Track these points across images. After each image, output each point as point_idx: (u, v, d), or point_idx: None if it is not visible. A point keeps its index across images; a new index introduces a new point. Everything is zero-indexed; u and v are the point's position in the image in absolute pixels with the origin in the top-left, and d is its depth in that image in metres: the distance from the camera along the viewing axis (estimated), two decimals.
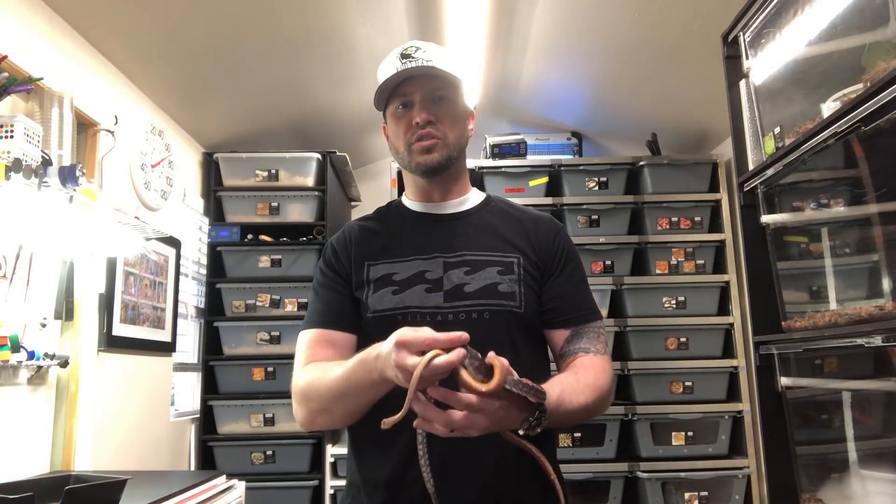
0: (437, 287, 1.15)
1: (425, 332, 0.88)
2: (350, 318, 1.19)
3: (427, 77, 1.17)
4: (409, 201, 1.30)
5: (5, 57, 1.72)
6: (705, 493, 2.92)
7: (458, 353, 0.86)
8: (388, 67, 1.19)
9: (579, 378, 1.08)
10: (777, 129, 1.71)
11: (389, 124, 1.23)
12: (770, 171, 1.74)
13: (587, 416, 1.09)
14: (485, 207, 1.28)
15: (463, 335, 0.87)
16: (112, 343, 2.29)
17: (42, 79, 1.87)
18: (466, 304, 1.13)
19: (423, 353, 0.87)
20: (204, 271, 3.14)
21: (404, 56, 1.18)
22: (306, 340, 1.18)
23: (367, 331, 1.17)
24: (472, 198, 1.29)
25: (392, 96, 1.20)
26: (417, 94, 1.18)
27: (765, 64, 1.83)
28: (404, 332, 0.90)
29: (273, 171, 3.14)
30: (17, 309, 1.81)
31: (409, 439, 1.07)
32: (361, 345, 1.18)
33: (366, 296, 1.18)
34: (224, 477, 2.07)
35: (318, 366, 1.12)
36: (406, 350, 0.88)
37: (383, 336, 1.13)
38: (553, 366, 1.24)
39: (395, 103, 1.20)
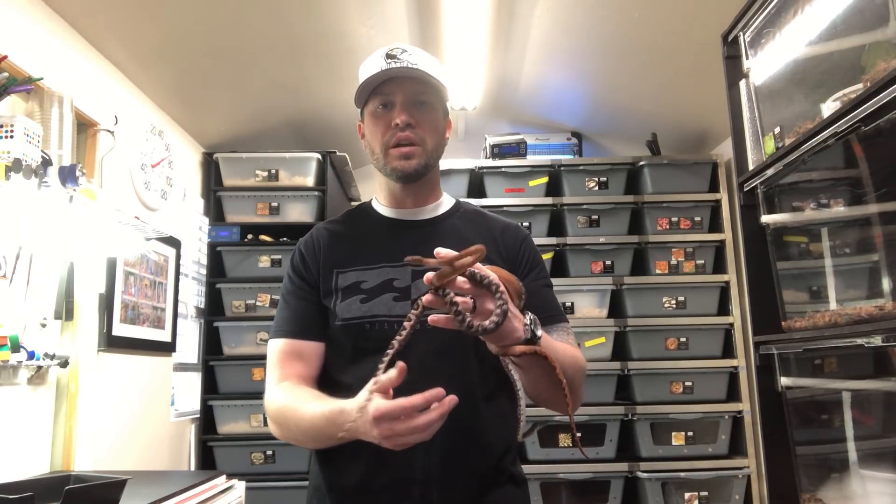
0: (404, 295, 1.15)
1: (399, 402, 0.87)
2: (318, 327, 1.19)
3: (410, 80, 1.16)
4: (380, 206, 1.28)
5: (5, 57, 1.73)
6: (705, 493, 2.92)
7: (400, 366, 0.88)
8: (372, 66, 1.18)
9: (563, 349, 1.08)
10: (777, 129, 1.71)
11: (367, 123, 1.21)
12: (770, 171, 1.74)
13: (572, 373, 1.06)
14: (454, 214, 1.27)
15: (438, 392, 0.86)
16: (112, 343, 2.29)
17: (42, 79, 1.87)
18: (432, 312, 1.13)
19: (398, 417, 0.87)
20: (204, 271, 3.14)
21: (389, 56, 1.17)
22: (276, 352, 1.18)
23: (335, 338, 1.17)
24: (443, 204, 1.28)
25: (373, 95, 1.19)
26: (399, 96, 1.16)
27: (765, 64, 1.83)
28: (381, 407, 0.87)
29: (273, 171, 3.14)
30: (17, 309, 1.81)
31: (376, 448, 1.07)
32: (329, 351, 1.19)
33: (334, 304, 1.17)
34: (224, 477, 2.07)
35: (289, 394, 1.11)
36: (385, 421, 0.87)
37: (350, 343, 1.14)
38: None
39: (375, 102, 1.18)
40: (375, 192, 1.30)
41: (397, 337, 0.91)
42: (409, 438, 0.88)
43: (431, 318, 0.88)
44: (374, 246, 1.21)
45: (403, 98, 1.16)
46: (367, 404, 0.89)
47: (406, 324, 0.89)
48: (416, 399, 0.86)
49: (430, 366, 1.06)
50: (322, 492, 1.17)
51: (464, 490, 1.11)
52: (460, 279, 0.87)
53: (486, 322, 0.87)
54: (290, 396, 1.11)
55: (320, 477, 1.18)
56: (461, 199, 1.33)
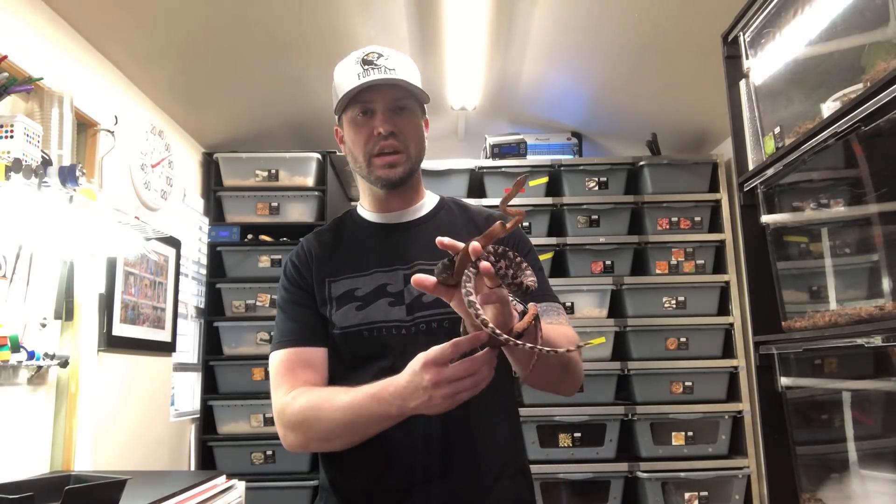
0: (398, 300, 1.15)
1: (445, 346, 0.88)
2: (321, 334, 1.17)
3: (390, 86, 1.16)
4: (366, 211, 1.28)
5: (5, 57, 1.73)
6: (705, 493, 2.92)
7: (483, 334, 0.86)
8: (349, 73, 1.16)
9: (556, 329, 1.08)
10: (777, 129, 1.71)
11: (347, 131, 1.21)
12: (770, 171, 1.74)
13: (567, 370, 1.07)
14: (439, 211, 1.27)
15: (481, 333, 0.87)
16: (112, 343, 2.29)
17: (42, 79, 1.87)
18: (426, 315, 1.13)
19: (447, 363, 0.87)
20: (204, 271, 3.14)
21: (366, 62, 1.16)
22: (283, 361, 1.16)
23: (334, 346, 1.16)
24: (427, 203, 1.28)
25: (352, 102, 1.18)
26: (379, 103, 1.15)
27: (765, 64, 1.83)
28: (427, 354, 0.89)
29: (273, 171, 3.14)
30: (17, 309, 1.81)
31: (382, 448, 1.07)
32: (329, 358, 1.17)
33: (330, 313, 1.17)
34: (224, 477, 2.07)
35: (311, 393, 1.10)
36: (435, 367, 0.88)
37: (350, 351, 1.14)
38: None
39: (354, 110, 1.17)
40: (360, 199, 1.30)
41: (474, 307, 0.84)
42: (464, 384, 0.87)
43: (483, 296, 0.85)
44: (364, 252, 1.21)
45: (384, 105, 1.16)
46: (416, 359, 0.90)
47: (471, 299, 0.84)
48: (461, 339, 0.87)
49: None
50: (329, 492, 1.18)
51: (470, 487, 1.11)
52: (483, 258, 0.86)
53: (529, 281, 0.87)
54: (318, 395, 1.09)
55: (326, 479, 1.19)
56: (444, 195, 1.32)
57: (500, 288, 0.86)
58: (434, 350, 0.88)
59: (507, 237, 1.23)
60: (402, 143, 1.17)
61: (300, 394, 1.10)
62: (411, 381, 0.91)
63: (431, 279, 0.87)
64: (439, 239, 0.87)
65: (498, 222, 0.86)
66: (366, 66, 1.15)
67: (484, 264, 0.82)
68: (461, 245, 0.85)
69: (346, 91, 1.15)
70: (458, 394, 0.88)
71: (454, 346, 0.87)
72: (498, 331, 0.80)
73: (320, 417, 1.06)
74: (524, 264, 0.89)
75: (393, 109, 1.17)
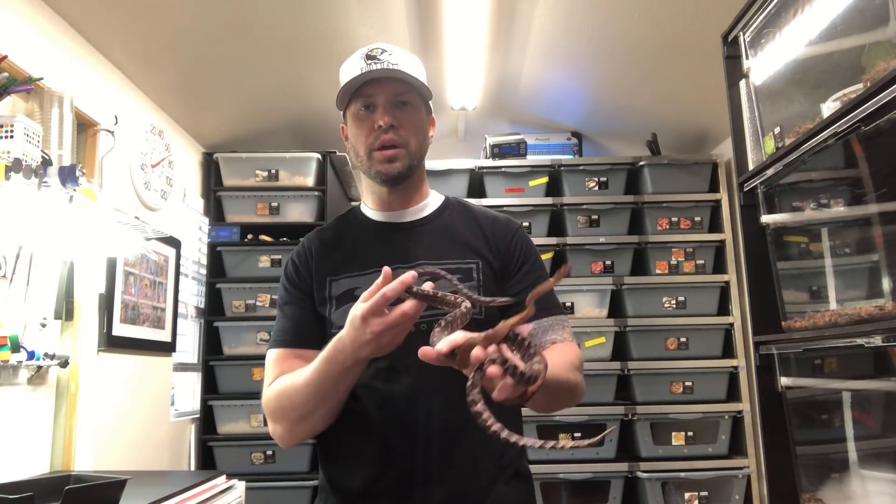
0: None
1: (377, 299, 0.91)
2: (317, 335, 1.17)
3: (391, 80, 1.16)
4: (368, 209, 1.27)
5: (5, 57, 1.73)
6: (705, 493, 2.92)
7: (410, 274, 0.92)
8: (352, 67, 1.17)
9: (558, 358, 1.07)
10: (777, 129, 1.71)
11: (350, 126, 1.21)
12: (770, 171, 1.74)
13: (572, 395, 1.09)
14: (443, 212, 1.26)
15: (409, 274, 0.92)
16: (112, 343, 2.29)
17: (42, 79, 1.87)
18: (426, 315, 1.10)
19: (383, 311, 0.92)
20: (204, 271, 3.14)
21: (369, 57, 1.16)
22: (273, 360, 1.17)
23: None
24: (431, 203, 1.27)
25: (354, 97, 1.18)
26: (381, 97, 1.16)
27: (765, 64, 1.83)
28: (364, 309, 0.92)
29: (273, 171, 3.14)
30: (17, 309, 1.81)
31: (380, 449, 1.08)
32: None
33: (329, 312, 1.17)
34: (224, 477, 2.07)
35: (279, 381, 1.12)
36: (372, 316, 0.92)
37: None
38: None
39: (356, 104, 1.18)
40: (362, 196, 1.29)
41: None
42: (403, 326, 0.92)
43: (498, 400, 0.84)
44: (366, 251, 1.21)
45: (385, 99, 1.16)
46: (353, 312, 0.94)
47: (477, 409, 0.83)
48: (389, 289, 0.91)
49: (428, 367, 1.06)
50: (328, 492, 1.18)
51: (468, 489, 1.11)
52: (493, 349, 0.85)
53: (535, 367, 0.85)
54: (283, 381, 1.11)
55: (324, 479, 1.19)
56: (449, 196, 1.31)
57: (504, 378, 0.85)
58: (369, 304, 0.92)
59: (511, 244, 1.23)
60: (403, 137, 1.16)
61: (273, 386, 1.12)
62: (356, 336, 0.95)
63: (433, 351, 0.87)
64: (423, 353, 0.87)
65: (502, 322, 0.85)
66: (368, 61, 1.16)
67: (491, 370, 0.82)
68: (460, 340, 0.85)
69: (346, 84, 1.16)
70: (400, 334, 0.94)
71: (384, 297, 0.91)
72: (504, 434, 0.82)
73: (292, 398, 1.08)
74: (527, 342, 0.87)
75: (394, 104, 1.17)
